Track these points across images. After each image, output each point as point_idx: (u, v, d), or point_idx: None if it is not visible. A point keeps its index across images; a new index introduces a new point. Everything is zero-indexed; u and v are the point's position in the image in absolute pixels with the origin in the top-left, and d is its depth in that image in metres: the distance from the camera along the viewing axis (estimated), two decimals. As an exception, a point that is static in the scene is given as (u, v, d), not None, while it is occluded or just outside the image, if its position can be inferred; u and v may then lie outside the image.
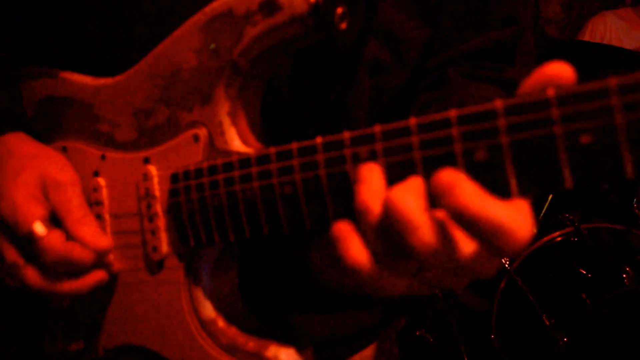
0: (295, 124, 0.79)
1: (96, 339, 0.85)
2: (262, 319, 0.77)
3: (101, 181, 0.81)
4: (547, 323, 2.32)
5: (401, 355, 1.15)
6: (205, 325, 0.73)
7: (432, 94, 0.84)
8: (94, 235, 0.74)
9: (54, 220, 0.75)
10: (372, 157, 0.56)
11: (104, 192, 0.81)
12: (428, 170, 0.53)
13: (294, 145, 0.62)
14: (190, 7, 0.72)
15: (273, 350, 0.68)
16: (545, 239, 2.51)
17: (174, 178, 0.73)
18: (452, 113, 0.52)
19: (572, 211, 2.57)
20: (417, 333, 2.64)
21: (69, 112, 0.86)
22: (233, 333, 0.72)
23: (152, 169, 0.76)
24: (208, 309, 0.73)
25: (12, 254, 0.74)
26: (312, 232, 0.87)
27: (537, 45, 0.92)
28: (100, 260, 0.75)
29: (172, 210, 0.73)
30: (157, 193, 0.75)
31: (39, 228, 0.72)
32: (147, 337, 0.79)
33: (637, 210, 2.51)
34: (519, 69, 0.88)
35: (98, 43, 0.85)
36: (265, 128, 0.75)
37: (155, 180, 0.75)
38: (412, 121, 0.54)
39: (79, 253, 0.72)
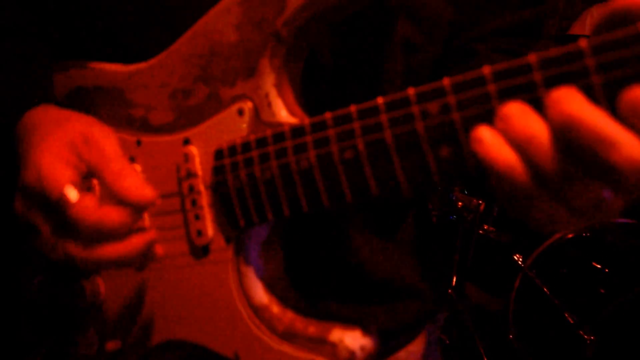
0: (332, 98, 0.76)
1: (135, 337, 0.80)
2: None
3: (137, 167, 0.77)
4: (571, 321, 2.27)
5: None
6: (259, 312, 0.69)
7: (460, 67, 0.82)
8: (137, 186, 0.65)
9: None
10: (445, 111, 0.53)
11: (142, 179, 0.77)
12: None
13: (353, 108, 0.58)
14: None
15: (337, 333, 0.64)
16: (557, 235, 2.48)
17: (218, 155, 0.69)
18: (532, 58, 0.49)
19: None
20: None
21: (100, 101, 0.82)
22: (290, 318, 0.67)
23: (193, 149, 0.72)
24: (260, 294, 0.69)
25: (47, 228, 0.67)
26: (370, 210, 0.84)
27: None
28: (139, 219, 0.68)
29: (218, 189, 0.69)
30: (200, 173, 0.71)
31: (71, 193, 0.64)
32: (193, 331, 0.75)
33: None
34: (542, 47, 0.87)
35: (128, 31, 0.82)
36: (304, 100, 0.71)
37: (197, 160, 0.72)
38: (486, 70, 0.51)
39: (114, 217, 0.64)
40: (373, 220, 0.85)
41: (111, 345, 0.83)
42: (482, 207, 2.53)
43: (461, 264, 2.66)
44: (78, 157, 0.67)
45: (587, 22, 3.61)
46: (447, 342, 2.61)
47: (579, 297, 2.34)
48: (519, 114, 0.47)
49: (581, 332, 2.19)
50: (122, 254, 0.66)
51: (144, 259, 0.71)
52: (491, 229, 2.74)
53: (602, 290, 2.29)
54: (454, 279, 2.63)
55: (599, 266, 2.39)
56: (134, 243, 0.66)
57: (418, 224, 0.93)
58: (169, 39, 0.76)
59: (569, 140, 0.45)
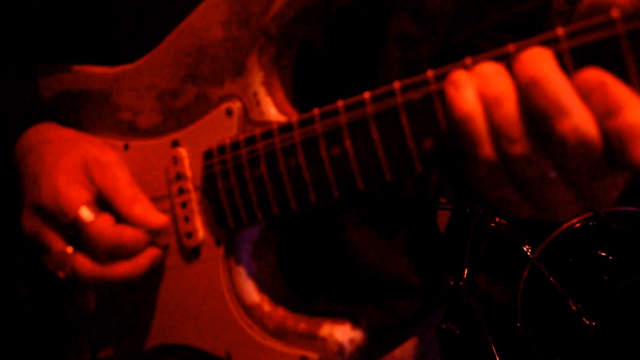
0: (327, 94, 0.77)
1: (128, 344, 0.80)
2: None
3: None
4: (574, 308, 2.32)
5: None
6: (250, 311, 0.68)
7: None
8: (150, 213, 0.69)
9: (100, 205, 0.70)
10: (427, 100, 0.53)
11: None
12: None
13: (340, 103, 0.59)
14: None
15: (327, 328, 0.64)
16: (565, 225, 2.53)
17: (208, 155, 0.69)
18: (511, 47, 0.49)
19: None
20: (444, 326, 2.61)
21: (86, 106, 0.82)
22: (281, 315, 0.67)
23: (182, 151, 0.72)
24: (252, 293, 0.69)
25: (58, 243, 0.68)
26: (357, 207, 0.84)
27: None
28: (153, 240, 0.70)
29: (208, 190, 0.69)
30: (189, 174, 0.71)
31: (86, 213, 0.67)
32: (185, 334, 0.74)
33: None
34: None
35: (112, 34, 0.82)
36: (298, 96, 0.72)
37: (186, 162, 0.72)
38: (468, 61, 0.51)
39: (131, 236, 0.67)
40: (371, 219, 0.85)
41: (103, 354, 0.82)
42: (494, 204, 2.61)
43: (472, 256, 2.70)
44: (91, 181, 0.70)
45: None
46: (457, 332, 2.65)
47: (584, 285, 2.41)
48: (492, 72, 0.48)
49: (584, 319, 2.25)
50: (132, 273, 0.68)
51: (150, 273, 0.72)
52: (502, 221, 2.79)
53: (606, 277, 2.35)
54: (465, 271, 2.68)
55: (603, 254, 2.45)
56: (142, 260, 0.68)
57: (419, 222, 0.93)
58: (154, 39, 0.76)
59: (529, 100, 0.45)
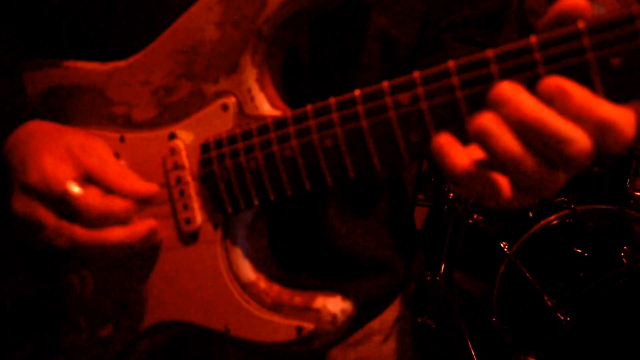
0: (311, 91, 0.83)
1: (126, 322, 0.85)
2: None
3: (122, 163, 0.81)
4: (549, 304, 2.38)
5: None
6: (247, 288, 0.75)
7: (427, 59, 0.90)
8: (140, 183, 0.73)
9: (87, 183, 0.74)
10: (414, 101, 0.61)
11: (127, 173, 0.81)
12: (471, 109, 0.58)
13: (332, 100, 0.65)
14: None
15: (320, 301, 0.71)
16: (542, 222, 2.60)
17: (205, 148, 0.75)
18: (490, 53, 0.57)
19: (567, 194, 2.65)
20: (419, 320, 2.69)
21: (78, 100, 0.86)
22: (276, 291, 0.74)
23: (179, 143, 0.77)
24: (248, 272, 0.76)
25: (51, 219, 0.72)
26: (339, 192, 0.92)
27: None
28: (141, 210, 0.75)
29: (206, 180, 0.75)
30: (187, 165, 0.77)
31: (73, 187, 0.70)
32: (184, 311, 0.80)
33: (630, 191, 2.61)
34: (505, 36, 0.96)
35: (104, 29, 0.86)
36: (285, 93, 0.78)
37: (184, 153, 0.77)
38: (451, 64, 0.59)
39: (120, 204, 0.71)
40: (349, 199, 0.93)
41: (102, 332, 0.87)
42: (472, 199, 2.62)
43: (450, 251, 2.79)
44: (76, 161, 0.73)
45: None
46: (433, 326, 2.75)
47: (559, 281, 2.46)
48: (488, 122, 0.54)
49: (558, 314, 2.31)
50: (128, 237, 0.72)
51: (146, 244, 0.76)
52: (480, 218, 2.86)
53: (581, 274, 2.40)
54: (442, 266, 2.75)
55: (579, 251, 2.50)
56: (139, 228, 0.73)
57: (392, 201, 1.01)
58: (145, 38, 0.80)
59: (529, 137, 0.52)
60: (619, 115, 0.50)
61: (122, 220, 0.72)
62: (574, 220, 2.58)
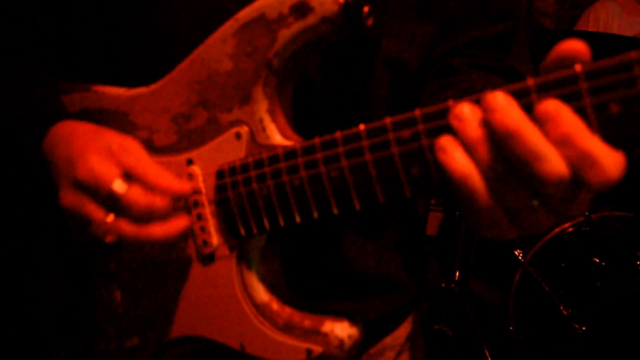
0: (322, 116, 0.85)
1: (151, 334, 0.90)
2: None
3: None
4: (565, 313, 2.34)
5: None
6: (261, 309, 0.79)
7: (439, 82, 0.91)
8: (176, 181, 0.77)
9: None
10: (416, 138, 0.62)
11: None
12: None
13: (338, 134, 0.68)
14: (218, 18, 0.77)
15: (328, 325, 0.74)
16: (557, 230, 2.55)
17: (220, 175, 0.78)
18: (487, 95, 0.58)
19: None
20: (436, 327, 2.69)
21: (105, 123, 0.90)
22: (288, 313, 0.77)
23: (196, 169, 0.81)
24: (261, 293, 0.79)
25: (100, 214, 0.77)
26: (350, 221, 0.94)
27: (535, 38, 0.99)
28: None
29: (221, 205, 0.79)
30: (204, 190, 0.80)
31: (120, 185, 0.75)
32: (204, 327, 0.84)
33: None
34: (514, 58, 0.95)
35: (130, 57, 0.90)
36: (298, 120, 0.80)
37: (201, 179, 0.81)
38: (451, 103, 0.60)
39: (160, 201, 0.75)
40: (360, 222, 0.95)
41: (129, 343, 0.93)
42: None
43: (464, 259, 2.77)
44: (117, 161, 0.78)
45: (590, 18, 3.72)
46: (450, 333, 2.74)
47: (576, 290, 2.42)
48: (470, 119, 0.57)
49: (574, 324, 2.28)
50: (169, 233, 0.77)
51: (184, 238, 0.83)
52: None
53: (598, 284, 2.35)
54: (457, 274, 2.74)
55: (596, 260, 2.45)
56: (177, 223, 0.77)
57: (403, 224, 1.03)
58: (166, 66, 0.84)
59: (508, 149, 0.54)
60: (606, 153, 0.51)
61: (163, 216, 0.77)
62: (590, 228, 2.53)
